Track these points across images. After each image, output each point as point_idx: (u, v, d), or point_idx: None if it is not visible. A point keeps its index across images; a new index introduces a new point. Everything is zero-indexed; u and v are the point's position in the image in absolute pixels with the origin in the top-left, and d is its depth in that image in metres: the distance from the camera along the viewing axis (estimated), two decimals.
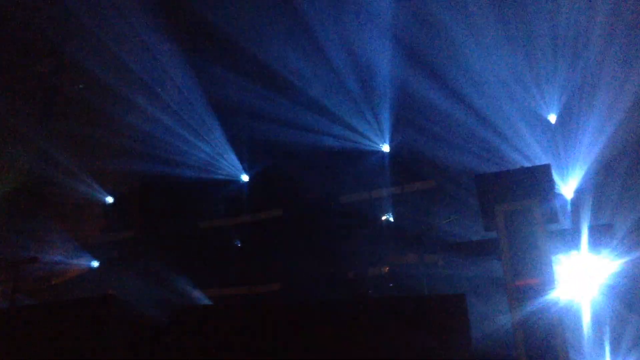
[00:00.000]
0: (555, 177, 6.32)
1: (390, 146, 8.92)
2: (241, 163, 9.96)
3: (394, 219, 8.57)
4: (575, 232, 5.35)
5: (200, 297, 8.93)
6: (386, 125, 8.89)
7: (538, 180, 5.19)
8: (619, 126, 6.83)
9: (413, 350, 3.41)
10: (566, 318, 4.99)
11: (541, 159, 7.14)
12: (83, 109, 10.27)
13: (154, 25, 9.56)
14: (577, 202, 6.88)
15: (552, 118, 7.67)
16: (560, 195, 6.85)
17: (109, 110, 9.99)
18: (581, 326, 5.65)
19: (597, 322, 5.76)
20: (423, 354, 3.32)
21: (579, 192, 7.00)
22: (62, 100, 10.79)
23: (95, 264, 10.16)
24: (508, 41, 7.80)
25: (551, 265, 4.89)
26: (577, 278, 5.64)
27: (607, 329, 5.85)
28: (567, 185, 7.08)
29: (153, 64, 9.94)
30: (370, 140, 8.99)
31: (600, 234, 5.25)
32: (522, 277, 4.86)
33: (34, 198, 10.56)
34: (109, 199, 10.69)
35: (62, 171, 10.25)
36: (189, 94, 9.90)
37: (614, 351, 5.78)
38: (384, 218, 8.63)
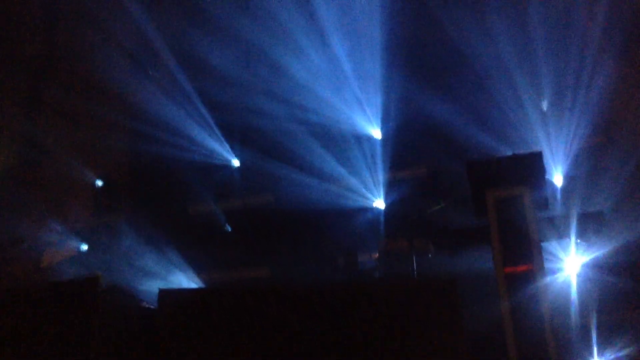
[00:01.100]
0: (547, 164, 6.32)
1: (381, 132, 8.89)
2: (232, 148, 9.90)
3: (385, 205, 8.57)
4: (566, 219, 5.38)
5: (189, 280, 8.92)
6: (377, 111, 8.86)
7: (529, 167, 5.20)
8: (610, 113, 6.85)
9: (403, 334, 3.40)
10: (555, 304, 5.01)
11: (533, 146, 7.13)
12: (72, 90, 10.15)
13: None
14: (567, 190, 6.90)
15: (544, 105, 7.67)
16: (550, 182, 6.86)
17: (100, 91, 9.90)
18: (570, 312, 5.68)
19: (585, 309, 5.80)
20: (414, 338, 3.32)
21: (570, 179, 7.02)
22: (52, 80, 10.66)
23: (84, 247, 10.09)
24: (500, 26, 7.77)
25: (541, 252, 4.90)
26: (567, 265, 5.68)
27: (595, 315, 5.90)
28: (558, 172, 7.09)
29: (145, 43, 9.84)
30: (361, 126, 8.96)
31: (591, 222, 5.28)
32: (512, 264, 4.87)
33: (21, 180, 10.46)
34: (99, 183, 10.61)
35: (50, 154, 10.16)
36: (180, 76, 9.81)
37: (601, 338, 5.83)
38: (375, 204, 8.63)
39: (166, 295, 3.70)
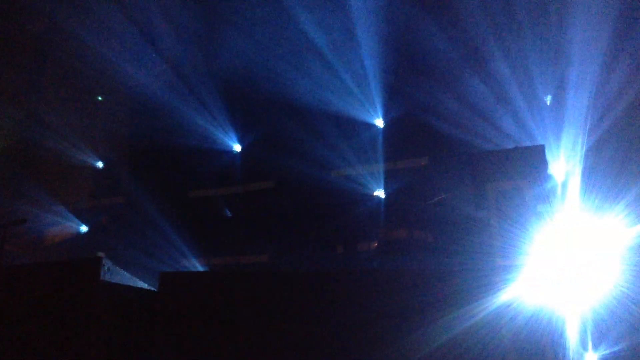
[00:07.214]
0: (548, 158, 6.31)
1: (384, 122, 8.86)
2: (235, 133, 9.87)
3: (385, 195, 8.56)
4: (564, 212, 5.40)
5: (188, 265, 8.95)
6: (380, 100, 8.82)
7: (531, 161, 5.20)
8: (611, 109, 6.83)
9: (397, 322, 3.43)
10: (551, 296, 5.04)
11: (535, 140, 7.11)
12: (75, 70, 10.12)
13: None
14: (567, 184, 6.89)
15: (548, 99, 7.65)
16: (551, 176, 6.85)
17: (101, 73, 9.87)
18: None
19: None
20: (407, 326, 3.35)
21: (570, 174, 7.00)
22: (54, 61, 10.63)
23: (84, 228, 10.12)
24: (507, 21, 7.75)
25: (539, 245, 4.92)
26: (563, 257, 5.69)
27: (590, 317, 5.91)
28: (559, 166, 7.07)
29: (149, 25, 9.80)
30: (364, 115, 8.92)
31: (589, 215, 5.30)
32: (509, 256, 4.90)
33: (23, 161, 10.47)
34: (99, 164, 10.62)
35: (52, 135, 10.16)
36: (187, 61, 9.78)
37: (597, 335, 5.84)
38: (375, 193, 8.63)
39: (167, 277, 3.72)
